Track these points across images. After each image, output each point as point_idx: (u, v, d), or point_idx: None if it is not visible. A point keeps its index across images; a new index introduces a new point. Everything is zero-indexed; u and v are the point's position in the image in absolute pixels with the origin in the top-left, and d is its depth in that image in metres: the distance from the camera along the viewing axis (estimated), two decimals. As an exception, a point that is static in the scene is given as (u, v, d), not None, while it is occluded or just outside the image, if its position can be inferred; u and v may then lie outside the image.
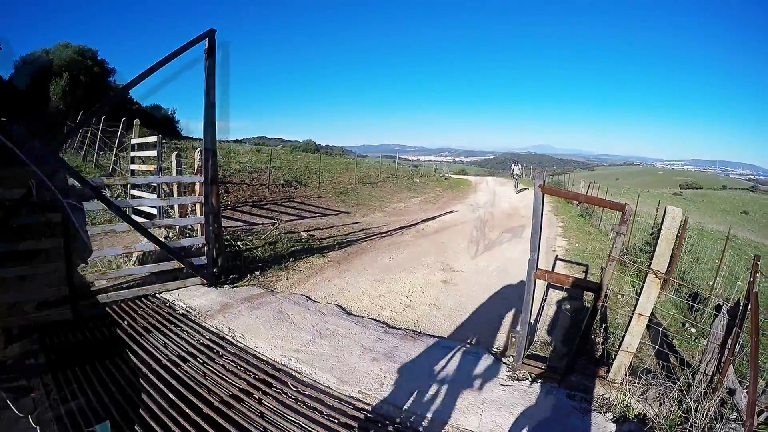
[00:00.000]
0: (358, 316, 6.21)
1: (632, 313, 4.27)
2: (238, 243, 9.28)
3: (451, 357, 4.96)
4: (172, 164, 8.94)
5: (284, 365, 4.68)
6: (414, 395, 4.17)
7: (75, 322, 5.50)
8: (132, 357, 4.72)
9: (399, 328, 5.83)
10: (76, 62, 34.01)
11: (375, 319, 6.11)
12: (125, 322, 5.59)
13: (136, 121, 12.39)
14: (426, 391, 4.24)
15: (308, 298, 6.75)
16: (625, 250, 8.00)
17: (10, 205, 4.33)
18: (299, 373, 4.55)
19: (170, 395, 4.02)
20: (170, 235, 8.04)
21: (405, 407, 3.98)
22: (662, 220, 4.13)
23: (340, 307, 6.48)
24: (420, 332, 5.75)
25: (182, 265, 6.72)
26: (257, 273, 7.65)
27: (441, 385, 4.35)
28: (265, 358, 4.81)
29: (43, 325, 5.32)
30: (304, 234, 11.11)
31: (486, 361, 4.91)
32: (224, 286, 6.97)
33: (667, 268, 4.11)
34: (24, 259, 7.61)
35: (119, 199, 11.41)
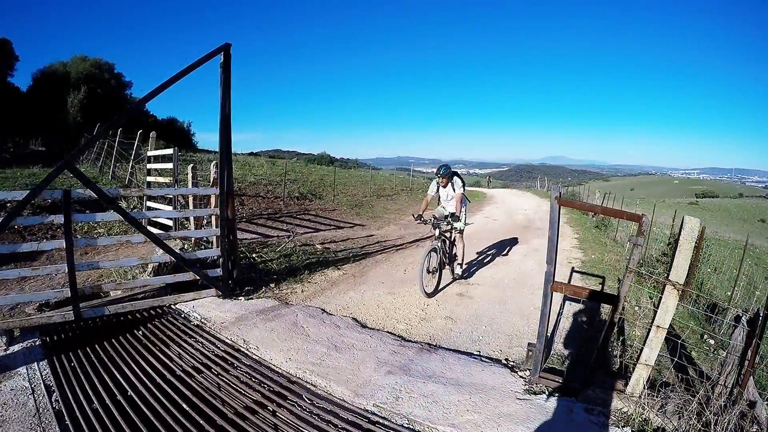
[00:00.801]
0: (373, 329, 6.20)
1: (650, 326, 4.21)
2: (254, 255, 9.32)
3: (467, 370, 4.92)
4: (188, 176, 9.00)
5: (299, 378, 4.67)
6: (429, 409, 4.14)
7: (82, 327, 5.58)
8: (146, 366, 4.75)
9: (414, 341, 5.81)
10: (93, 75, 34.49)
11: (390, 332, 6.10)
12: (140, 332, 5.64)
13: (153, 134, 12.52)
14: (442, 405, 4.21)
15: (323, 310, 6.75)
16: (642, 262, 7.92)
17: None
18: (314, 385, 4.54)
19: (184, 405, 4.03)
20: (186, 246, 8.08)
21: (420, 421, 3.95)
22: (680, 230, 4.08)
23: (355, 319, 6.46)
24: (435, 345, 5.72)
25: (197, 277, 6.75)
26: (272, 285, 7.67)
27: (457, 399, 4.31)
28: (280, 371, 4.80)
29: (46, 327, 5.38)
30: (319, 246, 11.13)
31: (502, 374, 4.86)
32: (239, 298, 6.99)
33: (686, 278, 4.06)
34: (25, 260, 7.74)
35: (135, 210, 11.51)
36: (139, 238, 6.37)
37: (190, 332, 5.70)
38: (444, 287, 8.25)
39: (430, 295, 7.63)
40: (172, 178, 9.75)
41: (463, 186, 8.49)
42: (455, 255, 8.79)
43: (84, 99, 31.18)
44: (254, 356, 5.10)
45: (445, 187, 8.57)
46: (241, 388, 4.38)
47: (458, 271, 8.90)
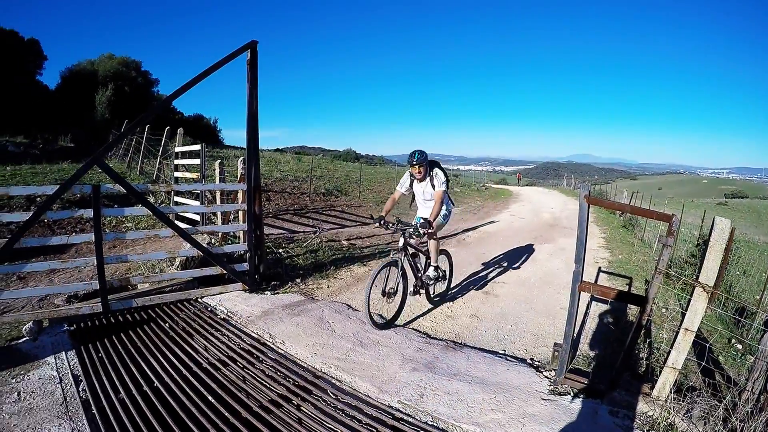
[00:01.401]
0: (398, 325, 6.21)
1: (678, 328, 4.16)
2: (280, 250, 9.39)
3: (492, 369, 4.90)
4: (215, 172, 9.09)
5: (324, 373, 4.70)
6: (454, 407, 4.13)
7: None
8: (172, 358, 4.82)
9: (440, 339, 5.80)
10: (121, 73, 35.00)
11: (416, 330, 6.11)
12: (167, 324, 5.74)
13: (180, 130, 12.65)
14: (466, 403, 4.20)
15: (349, 306, 6.79)
16: (670, 263, 7.75)
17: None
18: (339, 381, 4.56)
19: (209, 398, 4.09)
20: (213, 241, 8.17)
21: (445, 419, 3.95)
22: (710, 231, 4.02)
23: (381, 316, 6.47)
24: (461, 343, 5.71)
25: (224, 271, 6.83)
26: (298, 280, 7.75)
27: (481, 398, 4.30)
28: (305, 365, 4.84)
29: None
30: (345, 242, 11.17)
31: (527, 374, 4.84)
32: (265, 293, 7.06)
33: (715, 281, 4.00)
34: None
35: (163, 205, 11.66)
36: (167, 232, 6.47)
37: (217, 325, 5.77)
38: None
39: (381, 326, 5.93)
40: (199, 174, 9.85)
41: (446, 182, 6.58)
42: (434, 273, 6.80)
43: (112, 96, 31.69)
44: (280, 350, 5.15)
45: (421, 181, 6.57)
46: (266, 382, 4.42)
47: (439, 289, 7.35)
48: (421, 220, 6.30)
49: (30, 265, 5.97)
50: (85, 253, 8.84)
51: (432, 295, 7.15)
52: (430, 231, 6.33)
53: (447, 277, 7.37)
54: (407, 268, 6.33)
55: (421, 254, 6.82)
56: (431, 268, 6.74)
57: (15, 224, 8.13)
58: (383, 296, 5.96)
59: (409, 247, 6.37)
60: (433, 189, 6.48)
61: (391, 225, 6.35)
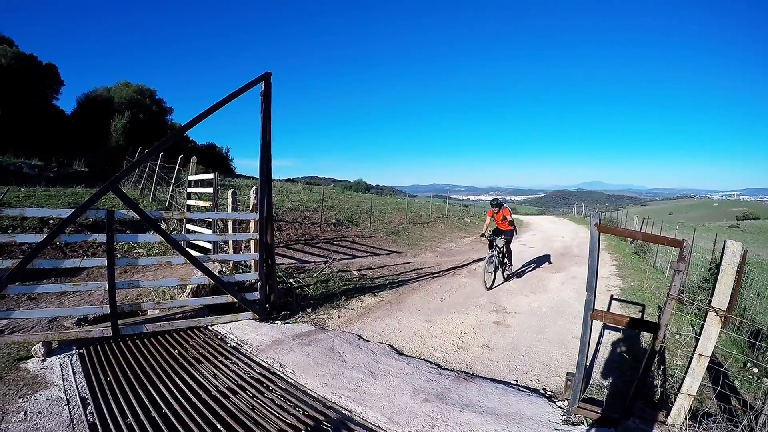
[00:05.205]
0: (409, 356, 6.15)
1: (692, 354, 4.12)
2: (291, 280, 9.40)
3: (504, 399, 4.85)
4: (228, 201, 9.16)
5: (334, 403, 4.67)
6: (466, 437, 4.10)
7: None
8: (181, 385, 4.81)
9: (451, 370, 5.75)
10: (136, 101, 35.50)
11: (427, 360, 6.05)
12: (176, 351, 5.74)
13: (193, 159, 12.76)
14: (478, 433, 4.16)
15: (359, 336, 6.75)
16: (683, 288, 7.64)
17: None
18: (349, 411, 4.53)
19: (218, 425, 4.06)
20: (224, 269, 8.20)
21: (456, 449, 3.91)
22: (721, 255, 4.00)
23: (392, 346, 6.44)
24: (472, 374, 5.65)
25: (235, 300, 6.84)
26: (309, 310, 7.73)
27: (494, 428, 4.25)
28: (315, 395, 4.81)
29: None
30: (355, 273, 11.18)
31: (540, 404, 4.79)
32: (276, 322, 7.06)
33: (728, 304, 3.96)
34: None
35: (175, 232, 11.72)
36: (179, 259, 6.51)
37: (227, 353, 5.76)
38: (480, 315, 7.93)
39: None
40: (211, 203, 9.92)
41: None
42: None
43: (127, 123, 32.08)
44: (290, 380, 5.12)
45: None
46: (276, 411, 4.39)
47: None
48: None
49: (42, 287, 6.06)
50: (97, 277, 8.92)
51: None
52: None
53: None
54: None
55: None
56: None
57: (28, 245, 8.27)
58: None
59: None
60: None
61: None
